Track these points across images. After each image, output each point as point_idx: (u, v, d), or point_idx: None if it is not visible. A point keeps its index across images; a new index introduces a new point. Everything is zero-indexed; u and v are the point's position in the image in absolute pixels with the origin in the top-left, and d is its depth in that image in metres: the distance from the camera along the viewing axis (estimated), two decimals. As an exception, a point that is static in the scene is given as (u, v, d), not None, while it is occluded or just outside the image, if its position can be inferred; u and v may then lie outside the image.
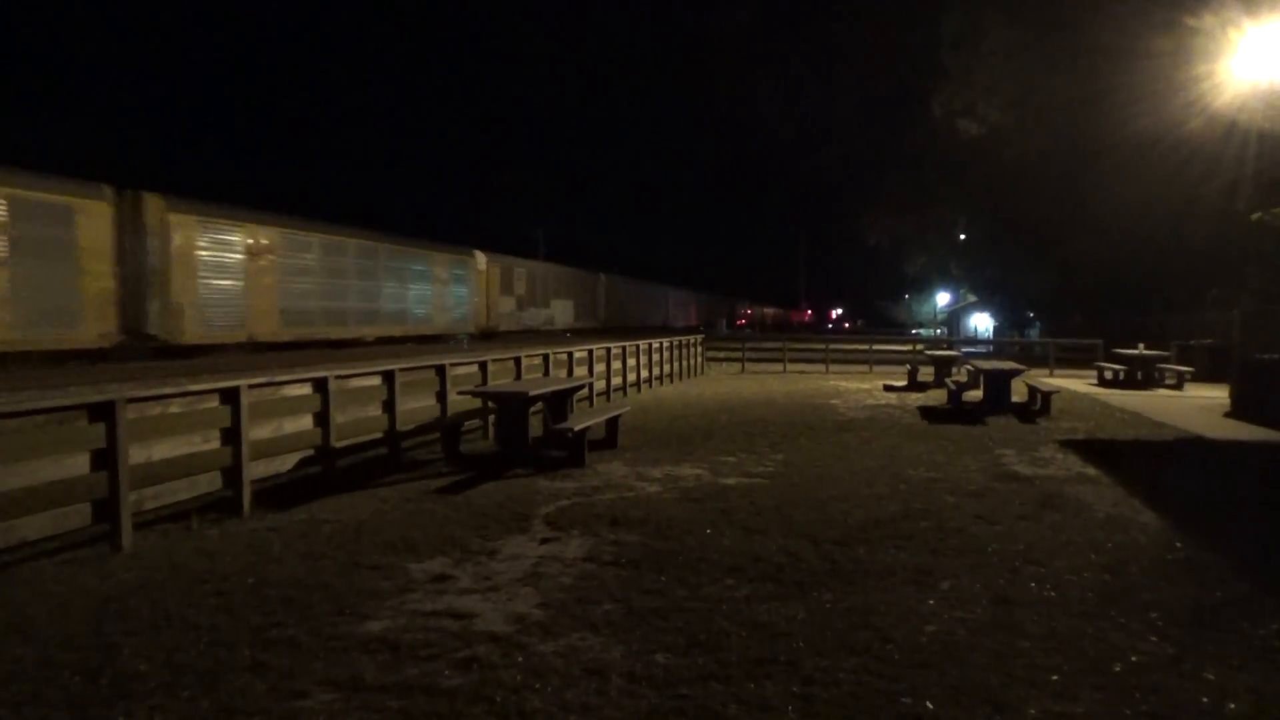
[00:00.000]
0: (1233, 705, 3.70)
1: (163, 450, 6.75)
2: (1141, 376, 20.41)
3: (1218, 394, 17.41)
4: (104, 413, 6.10)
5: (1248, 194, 17.44)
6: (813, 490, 8.24)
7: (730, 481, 8.69)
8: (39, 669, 4.04)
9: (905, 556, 5.96)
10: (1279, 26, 13.96)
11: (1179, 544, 6.31)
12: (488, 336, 32.46)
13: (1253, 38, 14.49)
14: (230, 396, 7.35)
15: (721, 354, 29.45)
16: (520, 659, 4.17)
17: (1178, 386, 19.78)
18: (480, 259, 32.75)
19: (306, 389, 8.54)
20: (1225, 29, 15.62)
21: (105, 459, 6.09)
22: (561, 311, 40.73)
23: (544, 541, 6.38)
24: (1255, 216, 16.16)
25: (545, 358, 13.82)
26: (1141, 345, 21.48)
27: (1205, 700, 3.75)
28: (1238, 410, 15.13)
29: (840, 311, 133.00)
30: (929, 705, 3.68)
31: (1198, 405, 16.42)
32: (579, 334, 38.42)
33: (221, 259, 20.19)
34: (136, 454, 6.39)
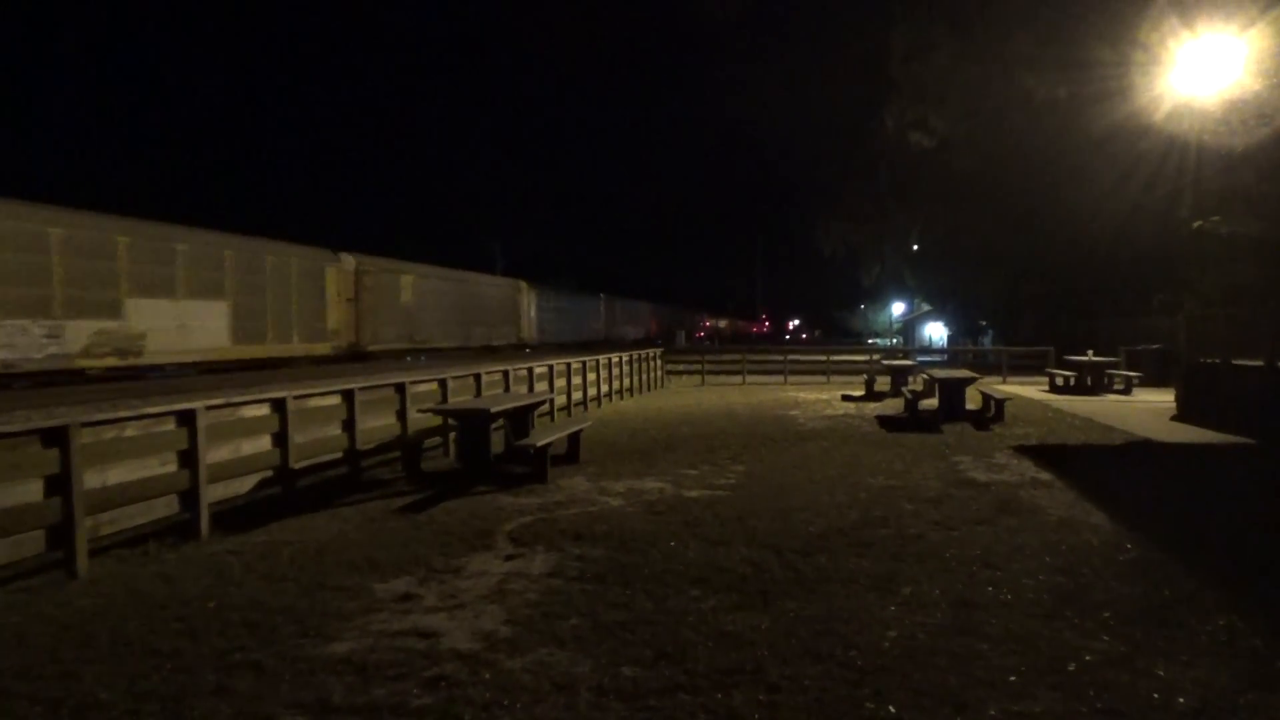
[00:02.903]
0: (1182, 699, 3.83)
1: (118, 474, 6.65)
2: (1091, 382, 20.90)
3: (1165, 398, 17.89)
4: (57, 438, 6.02)
5: (1189, 203, 17.93)
6: (774, 500, 8.33)
7: (693, 494, 8.75)
8: (-4, 701, 3.97)
9: (866, 564, 6.06)
10: (1211, 42, 14.43)
11: (1129, 545, 6.49)
12: None
13: (1189, 52, 14.97)
14: (187, 418, 7.27)
15: (681, 366, 29.59)
16: (488, 676, 4.18)
17: (1126, 391, 20.28)
18: None
19: (264, 409, 8.46)
20: (1164, 42, 16.10)
21: (59, 485, 6.00)
22: (181, 322, 18.17)
23: (509, 558, 6.39)
24: (1196, 225, 16.62)
25: (505, 374, 13.86)
26: (1091, 352, 22.01)
27: (1156, 696, 3.87)
28: (1184, 413, 15.56)
29: (798, 322, 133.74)
30: (892, 709, 3.76)
31: (1146, 409, 16.85)
32: (211, 370, 18.71)
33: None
34: (91, 479, 6.30)
